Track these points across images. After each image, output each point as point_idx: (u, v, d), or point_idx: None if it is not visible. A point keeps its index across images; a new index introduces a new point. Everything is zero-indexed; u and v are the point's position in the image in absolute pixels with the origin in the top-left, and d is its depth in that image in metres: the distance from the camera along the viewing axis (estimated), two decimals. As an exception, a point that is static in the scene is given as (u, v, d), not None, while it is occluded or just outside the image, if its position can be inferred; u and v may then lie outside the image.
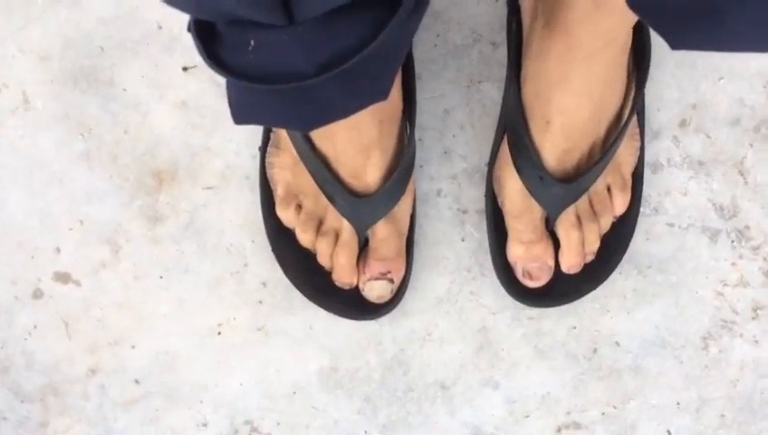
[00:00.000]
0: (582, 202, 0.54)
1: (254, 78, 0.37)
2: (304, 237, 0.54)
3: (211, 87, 0.57)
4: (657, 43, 0.56)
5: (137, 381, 0.60)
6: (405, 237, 0.55)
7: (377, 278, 0.54)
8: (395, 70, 0.40)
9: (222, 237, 0.59)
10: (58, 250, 0.59)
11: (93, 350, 0.60)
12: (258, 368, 0.60)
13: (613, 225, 0.56)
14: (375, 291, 0.54)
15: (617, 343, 0.59)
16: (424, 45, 0.57)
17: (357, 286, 0.55)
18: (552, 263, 0.55)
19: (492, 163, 0.56)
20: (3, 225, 0.59)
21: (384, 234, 0.53)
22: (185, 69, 0.57)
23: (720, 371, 0.58)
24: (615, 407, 0.59)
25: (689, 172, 0.57)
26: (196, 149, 0.58)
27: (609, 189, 0.55)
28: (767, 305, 0.58)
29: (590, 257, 0.55)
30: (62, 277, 0.59)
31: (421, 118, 0.57)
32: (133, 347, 0.59)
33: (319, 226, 0.54)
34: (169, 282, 0.59)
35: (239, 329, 0.59)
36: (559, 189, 0.51)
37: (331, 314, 0.58)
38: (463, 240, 0.58)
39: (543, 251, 0.55)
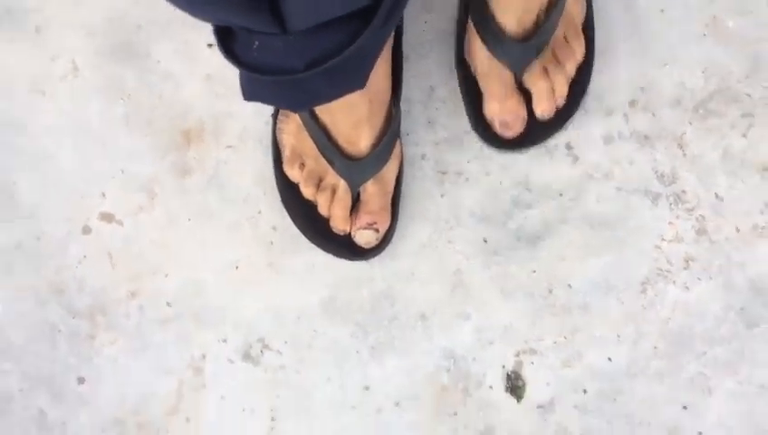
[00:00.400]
0: (546, 54, 0.61)
1: (257, 70, 0.46)
2: (307, 191, 0.64)
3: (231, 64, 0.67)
4: (612, 33, 0.65)
5: (169, 304, 0.71)
6: (390, 195, 0.65)
7: (365, 228, 0.64)
8: (369, 67, 0.49)
9: (240, 189, 0.68)
10: (103, 195, 0.69)
11: (133, 277, 0.71)
12: (269, 297, 0.69)
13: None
14: (363, 238, 0.64)
15: (569, 286, 0.69)
16: (414, 31, 0.65)
17: (350, 233, 0.65)
18: (524, 114, 0.63)
19: (458, 34, 0.63)
20: (57, 173, 0.69)
21: (372, 191, 0.63)
22: (209, 45, 0.66)
23: (655, 311, 0.68)
24: (565, 337, 0.69)
25: (636, 145, 0.66)
26: (219, 114, 0.67)
27: (565, 39, 0.62)
28: (697, 258, 0.67)
29: (560, 102, 0.63)
30: (107, 217, 0.70)
31: (409, 92, 0.66)
32: (166, 276, 0.70)
33: (319, 182, 0.64)
34: (196, 224, 0.69)
35: (253, 265, 0.69)
36: (518, 48, 0.59)
37: (330, 255, 0.69)
38: (442, 196, 0.68)
39: (516, 104, 0.63)
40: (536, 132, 0.64)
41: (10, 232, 0.70)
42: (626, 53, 0.65)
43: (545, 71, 0.61)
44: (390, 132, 0.60)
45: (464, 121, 0.66)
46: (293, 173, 0.64)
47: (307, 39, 0.45)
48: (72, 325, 0.71)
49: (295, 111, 0.59)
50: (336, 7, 0.42)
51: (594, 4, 0.65)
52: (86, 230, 0.70)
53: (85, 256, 0.70)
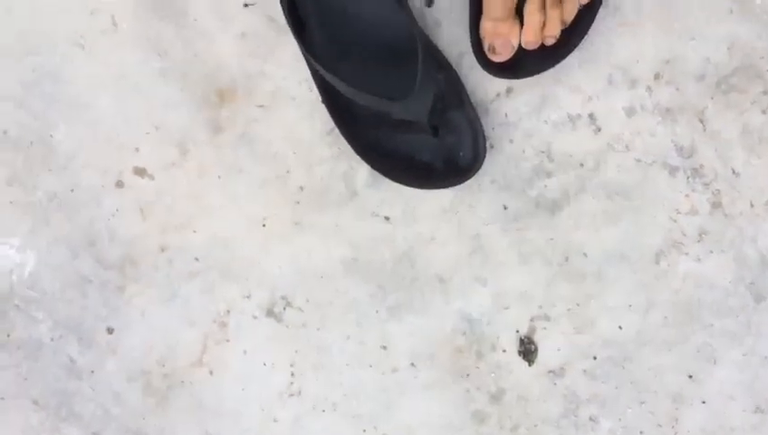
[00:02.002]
0: None
1: None
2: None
3: (266, 22, 0.68)
4: (641, 7, 0.66)
5: (197, 259, 0.73)
6: None
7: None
8: None
9: (270, 147, 0.70)
10: (137, 149, 0.71)
11: (163, 231, 0.72)
12: (293, 254, 0.71)
13: (579, 12, 0.63)
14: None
15: (584, 254, 0.70)
16: (444, -2, 0.67)
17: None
18: (515, 42, 0.62)
19: None
20: (95, 123, 0.71)
21: None
22: (245, 5, 0.68)
23: (667, 281, 0.69)
24: (578, 304, 0.70)
25: (658, 117, 0.68)
26: (252, 72, 0.69)
27: None
28: (711, 231, 0.69)
29: (550, 41, 0.62)
30: (140, 171, 0.72)
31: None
32: (195, 231, 0.72)
33: None
34: (226, 181, 0.71)
35: (280, 222, 0.71)
36: None
37: (354, 216, 0.70)
38: (466, 162, 0.70)
39: (509, 30, 0.62)
40: (523, 65, 0.64)
41: (46, 182, 0.72)
42: (653, 25, 0.66)
43: (543, 4, 0.61)
44: None
45: (491, 88, 0.68)
46: None
47: None
48: (103, 276, 0.73)
49: None
50: None
51: (623, -22, 0.66)
52: (119, 184, 0.72)
53: (118, 210, 0.72)
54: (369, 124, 0.66)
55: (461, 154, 0.66)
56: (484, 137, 0.65)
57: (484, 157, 0.65)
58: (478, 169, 0.65)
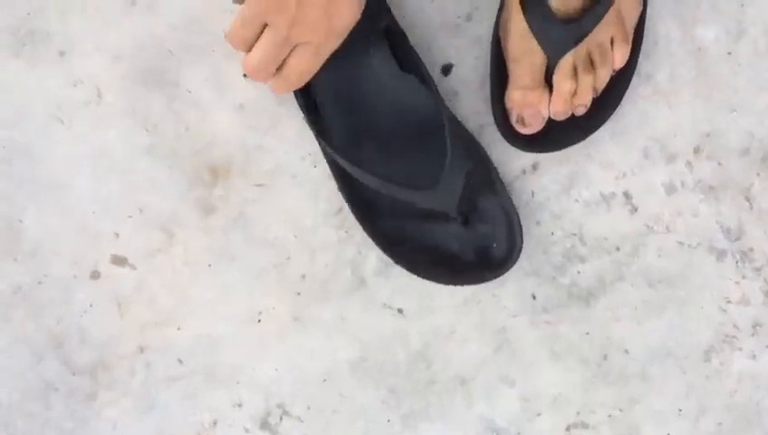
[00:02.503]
0: (581, 52, 0.56)
1: None
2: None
3: (266, 92, 0.63)
4: (676, 74, 0.62)
5: (180, 361, 0.64)
6: None
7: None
8: None
9: (267, 230, 0.63)
10: (117, 235, 0.64)
11: (142, 329, 0.64)
12: (293, 355, 0.64)
13: (611, 80, 0.58)
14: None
15: (626, 351, 0.63)
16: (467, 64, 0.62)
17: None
18: (545, 113, 0.58)
19: (500, 9, 0.59)
20: (69, 208, 0.63)
21: None
22: (245, 75, 0.62)
23: (720, 381, 0.63)
24: (621, 410, 0.63)
25: (700, 195, 0.62)
26: (250, 148, 0.63)
27: (611, 42, 0.57)
28: (766, 323, 0.62)
29: (581, 110, 0.58)
30: (119, 260, 0.64)
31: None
32: (179, 329, 0.64)
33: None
34: (217, 269, 0.64)
35: (278, 317, 0.64)
36: (561, 30, 0.54)
37: (362, 308, 0.63)
38: (489, 246, 0.63)
39: (539, 99, 0.58)
40: (551, 138, 0.59)
41: (10, 273, 0.64)
42: (690, 96, 0.62)
43: (574, 70, 0.57)
44: None
45: (516, 164, 0.62)
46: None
47: None
48: (71, 383, 0.65)
49: None
50: None
51: (658, 43, 0.62)
52: (95, 275, 0.64)
53: (91, 305, 0.64)
54: (392, 214, 0.60)
55: (494, 245, 0.60)
56: (520, 226, 0.60)
57: (521, 249, 0.59)
58: (514, 263, 0.59)
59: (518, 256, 0.59)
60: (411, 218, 0.60)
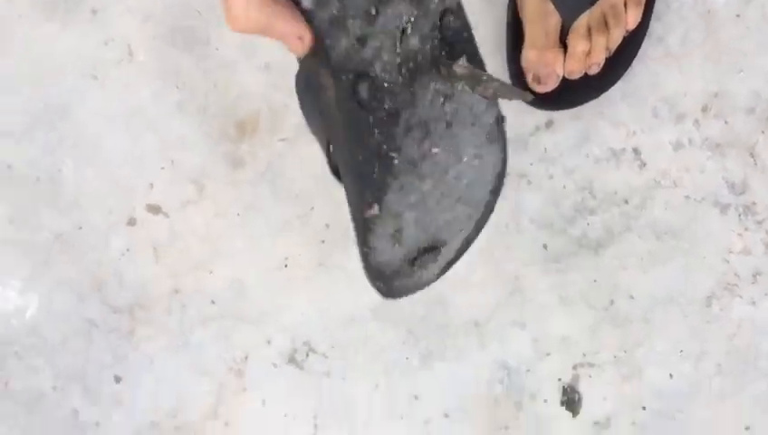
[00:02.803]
0: (596, 13, 0.58)
1: None
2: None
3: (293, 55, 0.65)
4: (687, 37, 0.63)
5: (213, 302, 0.68)
6: None
7: None
8: None
9: (293, 184, 0.66)
10: (151, 186, 0.67)
11: (176, 273, 0.68)
12: (318, 298, 0.67)
13: (623, 40, 0.60)
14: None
15: (631, 297, 0.66)
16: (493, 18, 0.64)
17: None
18: (560, 71, 0.60)
19: None
20: (105, 161, 0.67)
21: None
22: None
23: (720, 326, 0.66)
24: (625, 352, 0.67)
25: (707, 152, 0.64)
26: (276, 105, 0.65)
27: (624, 4, 0.58)
28: (766, 272, 0.66)
29: (594, 69, 0.60)
30: (154, 209, 0.68)
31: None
32: (211, 273, 0.68)
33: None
34: (245, 220, 0.67)
35: (303, 264, 0.67)
36: None
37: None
38: (503, 199, 0.66)
39: (554, 58, 0.60)
40: (565, 96, 0.61)
41: (52, 221, 0.68)
42: (700, 57, 0.63)
43: (588, 31, 0.59)
44: None
45: (530, 121, 0.64)
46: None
47: None
48: (111, 321, 0.68)
49: None
50: None
51: (670, 6, 0.63)
52: (131, 222, 0.67)
53: (128, 250, 0.68)
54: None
55: None
56: None
57: None
58: None
59: None
60: None
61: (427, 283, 0.49)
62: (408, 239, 0.45)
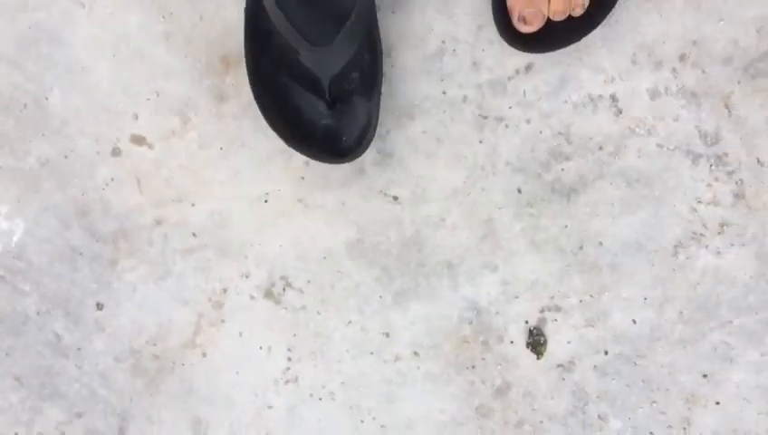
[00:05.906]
0: None
1: None
2: None
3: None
4: (671, -15, 0.63)
5: (194, 234, 0.70)
6: None
7: None
8: None
9: (275, 119, 0.67)
10: (136, 116, 0.68)
11: (159, 204, 0.70)
12: (296, 233, 0.68)
13: None
14: None
15: (600, 243, 0.68)
16: (465, -32, 0.64)
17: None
18: (545, 11, 0.60)
19: None
20: (91, 89, 0.68)
21: None
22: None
23: (684, 275, 0.67)
24: (592, 296, 0.68)
25: (682, 101, 0.65)
26: (260, 40, 0.66)
27: None
28: (732, 223, 0.66)
29: (578, 11, 0.60)
30: (138, 140, 0.69)
31: (456, 30, 0.65)
32: (193, 205, 0.69)
33: None
34: (228, 153, 0.68)
35: (283, 199, 0.68)
36: None
37: (361, 195, 0.67)
38: (480, 142, 0.67)
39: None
40: (546, 38, 0.62)
41: (38, 148, 0.69)
42: (681, 4, 0.63)
43: None
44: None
45: (510, 65, 0.65)
46: None
47: None
48: (94, 249, 0.70)
49: None
50: None
51: (652, -47, 0.63)
52: (116, 152, 0.68)
53: (112, 179, 0.69)
54: (278, 58, 0.61)
55: (344, 139, 0.62)
56: (372, 135, 0.62)
57: (362, 153, 0.62)
58: (351, 160, 0.62)
59: (356, 157, 0.62)
60: (290, 71, 0.61)
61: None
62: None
